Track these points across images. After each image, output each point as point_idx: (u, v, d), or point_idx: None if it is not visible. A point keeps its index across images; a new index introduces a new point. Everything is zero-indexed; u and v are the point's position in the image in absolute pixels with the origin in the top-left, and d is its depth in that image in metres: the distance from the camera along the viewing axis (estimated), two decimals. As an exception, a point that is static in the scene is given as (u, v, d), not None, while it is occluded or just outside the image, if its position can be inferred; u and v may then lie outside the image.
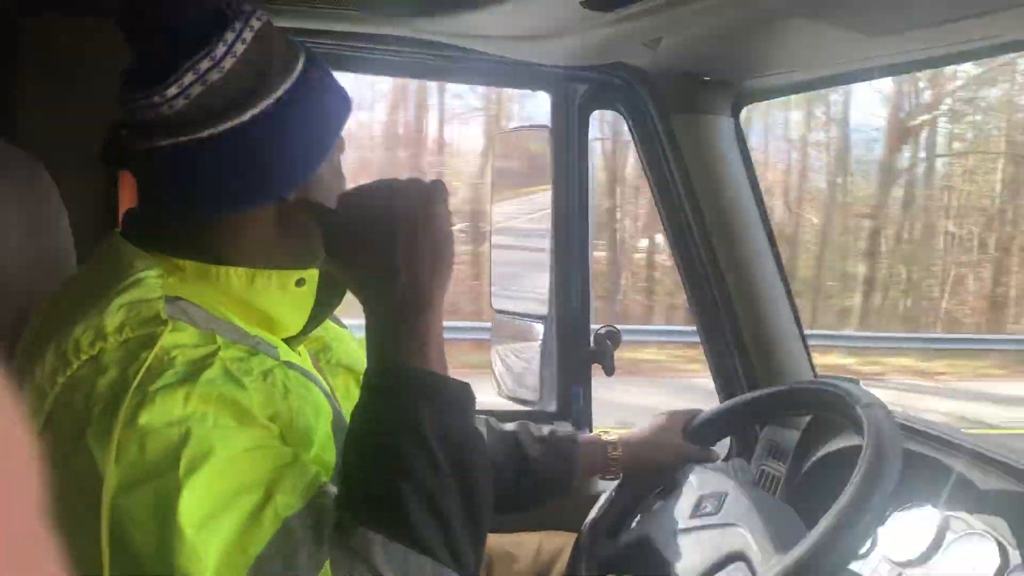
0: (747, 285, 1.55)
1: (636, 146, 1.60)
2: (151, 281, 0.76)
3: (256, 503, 0.69)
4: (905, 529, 1.19)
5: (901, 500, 1.17)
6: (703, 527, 1.09)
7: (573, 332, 1.62)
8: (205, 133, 0.76)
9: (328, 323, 0.98)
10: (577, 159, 1.62)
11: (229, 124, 0.76)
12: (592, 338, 1.62)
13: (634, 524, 1.22)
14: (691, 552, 1.09)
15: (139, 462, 0.67)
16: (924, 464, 1.14)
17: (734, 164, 1.53)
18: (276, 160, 0.79)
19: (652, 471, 1.21)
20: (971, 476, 1.06)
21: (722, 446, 1.47)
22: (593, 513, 1.25)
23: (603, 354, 1.58)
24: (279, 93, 0.78)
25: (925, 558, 1.15)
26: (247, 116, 0.76)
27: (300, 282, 0.83)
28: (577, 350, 1.61)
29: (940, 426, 1.16)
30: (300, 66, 0.81)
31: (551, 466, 1.17)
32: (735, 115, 1.53)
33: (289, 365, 0.80)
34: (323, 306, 0.87)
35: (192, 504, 0.66)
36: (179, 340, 0.72)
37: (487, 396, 1.73)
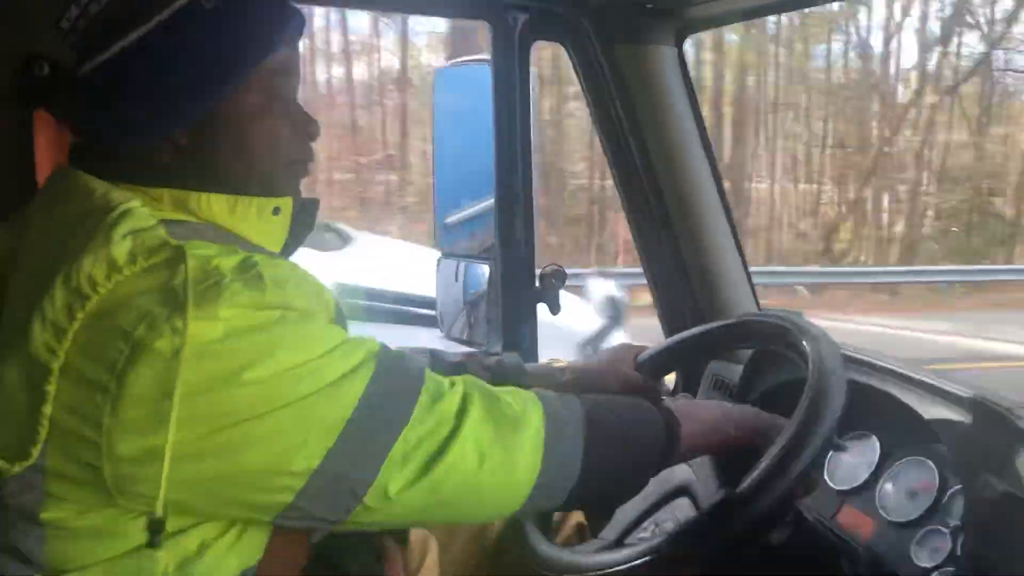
0: (692, 219, 1.53)
1: (579, 79, 1.56)
2: (140, 211, 0.74)
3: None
4: (848, 459, 1.21)
5: (844, 430, 1.18)
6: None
7: (517, 272, 1.59)
8: (118, 47, 0.74)
9: None
10: (519, 93, 1.57)
11: (146, 28, 0.75)
12: (537, 278, 1.59)
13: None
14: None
15: (226, 357, 0.68)
16: (868, 395, 1.15)
17: (678, 95, 1.51)
18: (209, 64, 0.78)
19: None
20: (915, 406, 1.07)
21: (668, 383, 1.47)
22: None
23: (548, 294, 1.55)
24: None
25: (867, 486, 1.17)
26: (166, 15, 0.75)
27: (276, 211, 0.84)
28: (522, 290, 1.58)
29: (887, 358, 1.17)
30: None
31: None
32: (678, 45, 1.49)
33: None
34: (296, 236, 0.88)
35: (300, 383, 0.69)
36: (207, 252, 0.71)
37: (434, 340, 1.72)
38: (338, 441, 0.71)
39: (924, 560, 1.06)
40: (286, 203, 0.85)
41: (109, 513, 0.71)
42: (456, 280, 1.97)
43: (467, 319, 1.79)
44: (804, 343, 1.00)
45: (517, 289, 1.59)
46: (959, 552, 1.02)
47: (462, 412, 0.77)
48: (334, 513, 0.74)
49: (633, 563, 0.92)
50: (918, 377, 1.09)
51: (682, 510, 1.09)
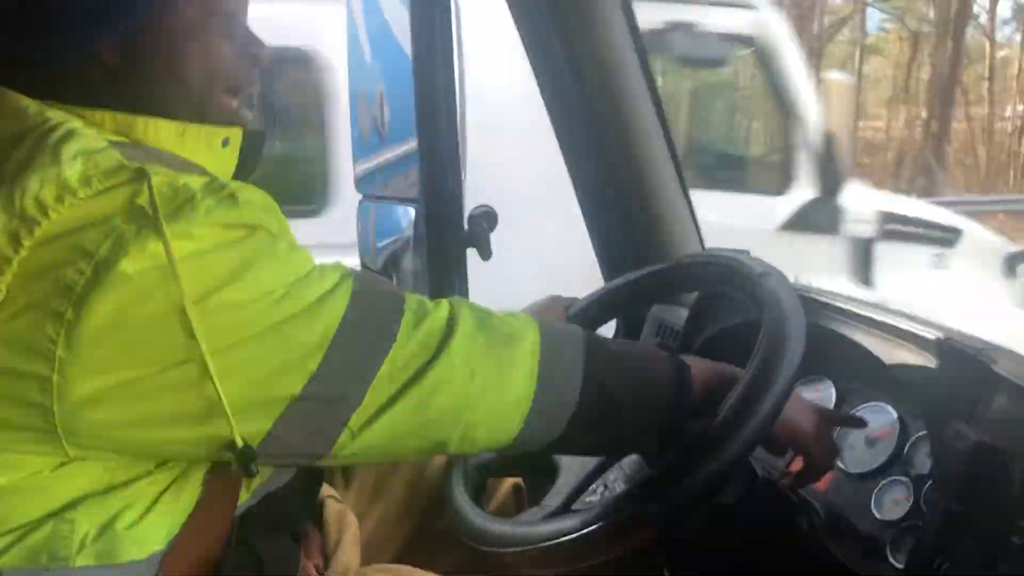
0: (632, 155, 1.43)
1: (510, 5, 1.43)
2: (86, 131, 0.68)
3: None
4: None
5: (800, 375, 1.10)
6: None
7: (444, 214, 1.46)
8: None
9: None
10: (439, 20, 1.42)
11: None
12: (466, 220, 1.46)
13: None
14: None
15: (201, 278, 0.63)
16: (823, 337, 1.06)
17: (617, 23, 1.38)
18: None
19: None
20: (875, 349, 0.99)
21: (609, 329, 1.38)
22: None
23: (478, 237, 1.43)
24: None
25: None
26: None
27: (225, 141, 0.79)
28: (449, 234, 1.46)
29: (845, 297, 1.09)
30: None
31: None
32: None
33: None
34: (243, 170, 0.83)
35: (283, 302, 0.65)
36: (168, 174, 0.66)
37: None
38: (322, 365, 0.66)
39: (885, 513, 0.99)
40: (235, 134, 0.80)
41: (41, 464, 0.65)
42: (378, 225, 1.85)
43: (390, 267, 1.68)
44: (755, 283, 0.91)
45: (445, 233, 1.47)
46: (923, 505, 0.95)
47: (451, 327, 0.73)
48: (318, 444, 0.69)
49: (587, 529, 0.82)
50: (880, 318, 1.01)
51: (634, 469, 1.00)
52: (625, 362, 0.82)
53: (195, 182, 0.66)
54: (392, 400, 0.69)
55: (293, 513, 0.91)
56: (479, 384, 0.73)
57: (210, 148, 0.78)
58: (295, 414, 0.67)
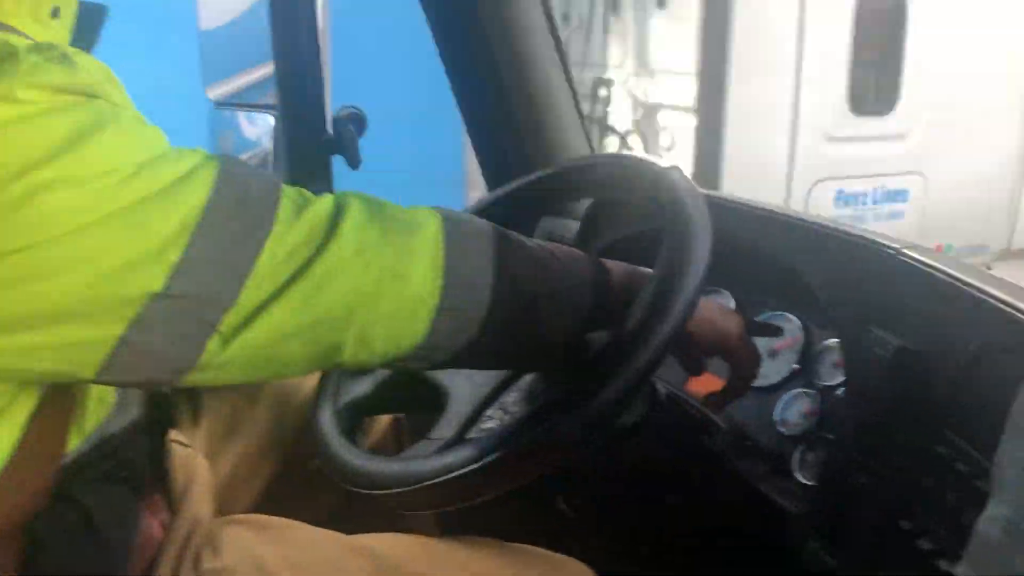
0: (514, 52, 1.29)
1: None
2: None
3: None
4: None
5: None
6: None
7: (305, 118, 1.29)
8: None
9: None
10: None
11: None
12: (330, 124, 1.30)
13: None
14: (468, 377, 0.88)
15: (27, 150, 0.52)
16: (722, 243, 0.97)
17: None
18: None
19: None
20: (780, 252, 0.92)
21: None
22: None
23: (344, 142, 1.27)
24: None
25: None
26: None
27: (55, 12, 0.67)
28: (312, 139, 1.29)
29: (744, 200, 1.00)
30: None
31: None
32: None
33: None
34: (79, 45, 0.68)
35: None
36: None
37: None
38: (184, 256, 0.56)
39: (791, 428, 0.93)
40: (68, 4, 0.68)
41: None
42: (234, 134, 1.66)
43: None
44: (652, 182, 0.81)
45: (306, 138, 1.30)
46: (832, 418, 0.90)
47: (338, 215, 0.62)
48: (181, 352, 0.59)
49: (488, 459, 0.71)
50: (785, 217, 0.93)
51: (536, 389, 0.89)
52: (541, 257, 0.72)
53: (22, 41, 0.57)
54: (273, 297, 0.59)
55: (133, 460, 0.76)
56: (374, 276, 0.62)
57: (36, 17, 0.66)
58: (154, 315, 0.56)
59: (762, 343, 0.96)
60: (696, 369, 0.86)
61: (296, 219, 0.61)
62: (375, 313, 0.63)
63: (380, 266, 0.63)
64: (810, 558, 0.80)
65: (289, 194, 0.62)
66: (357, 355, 0.64)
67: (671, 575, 1.06)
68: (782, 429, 0.93)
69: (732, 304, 1.06)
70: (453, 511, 0.77)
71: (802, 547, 0.81)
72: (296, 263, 0.60)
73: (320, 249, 0.61)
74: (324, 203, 0.63)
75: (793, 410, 0.94)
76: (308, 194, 0.64)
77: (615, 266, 0.77)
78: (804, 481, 0.89)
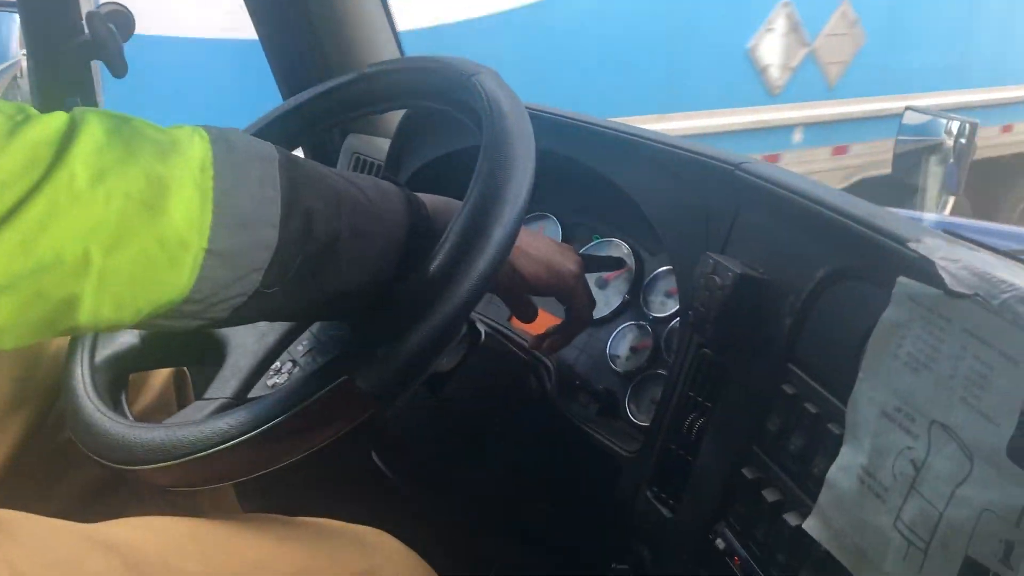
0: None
1: None
2: None
3: None
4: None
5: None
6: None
7: (51, 16, 1.06)
8: None
9: None
10: None
11: None
12: (85, 22, 1.08)
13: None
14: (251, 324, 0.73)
15: None
16: (544, 163, 0.86)
17: None
18: None
19: None
20: (608, 173, 0.82)
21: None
22: None
23: (104, 45, 1.06)
24: None
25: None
26: None
27: None
28: (62, 42, 1.07)
29: (572, 113, 0.89)
30: None
31: None
32: None
33: None
34: None
35: None
36: None
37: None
38: None
39: (623, 364, 0.85)
40: None
41: None
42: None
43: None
44: (465, 87, 0.68)
45: (55, 41, 1.07)
46: (666, 353, 0.82)
47: (69, 136, 0.48)
48: None
49: (275, 421, 0.58)
50: (609, 130, 0.83)
51: (332, 334, 0.76)
52: (341, 189, 0.58)
53: None
54: None
55: None
56: (117, 210, 0.48)
57: None
58: None
59: (591, 270, 0.87)
60: (530, 315, 0.76)
61: (10, 139, 0.46)
62: (120, 257, 0.48)
63: (125, 196, 0.48)
64: (644, 508, 0.72)
65: (5, 109, 0.47)
66: (99, 312, 0.48)
67: (496, 534, 0.97)
68: (614, 366, 0.85)
69: (559, 231, 0.97)
70: (251, 481, 0.64)
71: (635, 496, 0.74)
72: (13, 197, 0.45)
73: (44, 178, 0.46)
74: (51, 121, 0.48)
75: (624, 341, 0.86)
76: (31, 110, 0.48)
77: (432, 200, 0.65)
78: (638, 422, 0.81)
